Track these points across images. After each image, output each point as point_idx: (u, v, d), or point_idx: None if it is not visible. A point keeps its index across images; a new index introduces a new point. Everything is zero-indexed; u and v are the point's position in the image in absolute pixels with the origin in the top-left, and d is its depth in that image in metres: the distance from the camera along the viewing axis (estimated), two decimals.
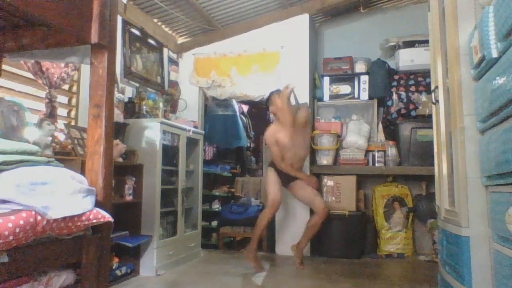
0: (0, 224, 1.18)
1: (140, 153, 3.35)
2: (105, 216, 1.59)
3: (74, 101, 3.23)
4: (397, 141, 4.18)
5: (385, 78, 4.32)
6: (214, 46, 4.64)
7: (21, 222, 1.25)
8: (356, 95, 4.38)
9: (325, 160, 4.26)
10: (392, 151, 4.17)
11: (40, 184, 1.37)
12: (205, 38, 4.70)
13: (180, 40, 4.80)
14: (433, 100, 2.54)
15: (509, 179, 1.44)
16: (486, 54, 1.57)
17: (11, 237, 1.20)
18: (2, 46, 1.82)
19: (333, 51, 4.76)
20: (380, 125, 4.37)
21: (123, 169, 3.17)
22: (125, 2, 3.73)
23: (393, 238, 4.17)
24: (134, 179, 3.21)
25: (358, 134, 4.22)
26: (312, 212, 3.82)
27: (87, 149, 1.72)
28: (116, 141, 3.00)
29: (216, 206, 4.93)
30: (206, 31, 4.64)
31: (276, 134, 3.59)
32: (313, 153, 4.26)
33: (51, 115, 2.75)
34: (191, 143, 4.09)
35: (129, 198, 3.18)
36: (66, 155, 2.61)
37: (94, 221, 1.54)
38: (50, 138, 2.52)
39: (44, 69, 2.72)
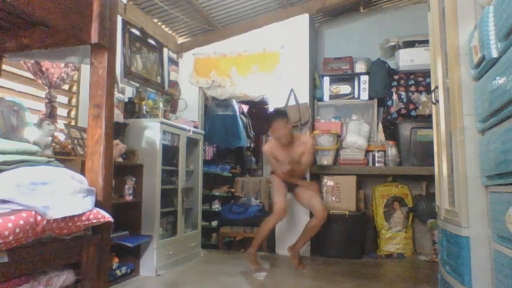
0: (0, 224, 1.18)
1: (140, 153, 3.36)
2: (105, 216, 1.59)
3: (74, 101, 3.24)
4: (397, 141, 4.18)
5: (385, 78, 4.32)
6: (214, 46, 4.65)
7: (21, 222, 1.25)
8: (356, 95, 4.39)
9: (325, 160, 4.26)
10: (392, 151, 4.18)
11: (40, 184, 1.37)
12: (205, 38, 4.70)
13: (180, 40, 4.80)
14: (433, 100, 2.54)
15: (509, 179, 1.44)
16: (486, 54, 1.57)
17: (11, 237, 1.20)
18: (2, 46, 1.81)
19: (333, 51, 4.77)
20: (380, 125, 4.37)
21: (123, 169, 3.18)
22: (125, 2, 3.73)
23: (393, 238, 4.17)
24: (134, 179, 3.21)
25: (358, 134, 4.22)
26: (312, 213, 3.82)
27: (87, 149, 1.72)
28: (116, 141, 3.00)
29: (216, 206, 4.93)
30: (206, 31, 4.64)
31: (274, 152, 3.64)
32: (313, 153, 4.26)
33: (51, 115, 2.74)
34: (191, 143, 4.09)
35: (129, 198, 3.18)
36: (66, 155, 2.61)
37: (94, 221, 1.54)
38: (50, 138, 2.53)
39: (44, 69, 2.72)
